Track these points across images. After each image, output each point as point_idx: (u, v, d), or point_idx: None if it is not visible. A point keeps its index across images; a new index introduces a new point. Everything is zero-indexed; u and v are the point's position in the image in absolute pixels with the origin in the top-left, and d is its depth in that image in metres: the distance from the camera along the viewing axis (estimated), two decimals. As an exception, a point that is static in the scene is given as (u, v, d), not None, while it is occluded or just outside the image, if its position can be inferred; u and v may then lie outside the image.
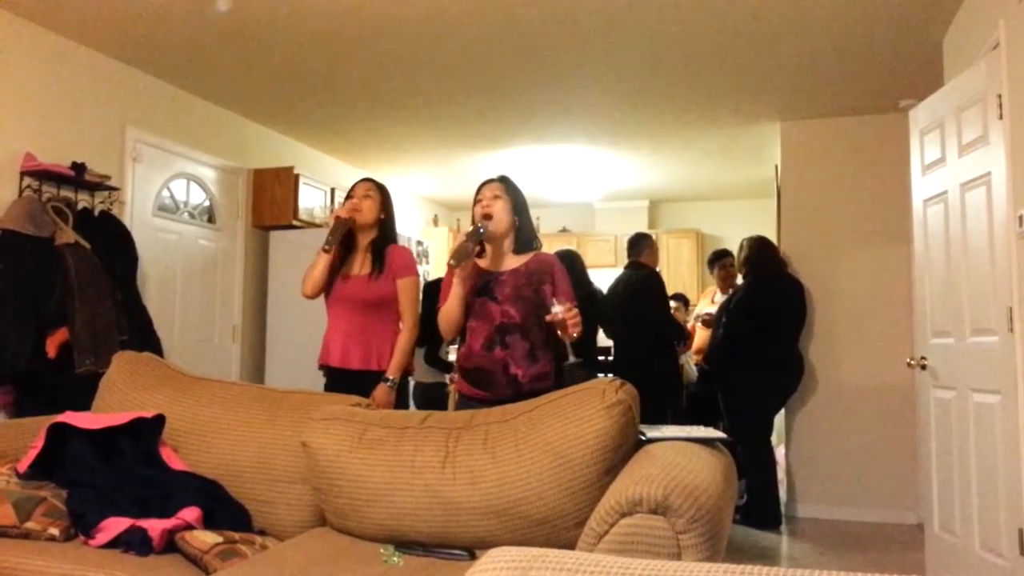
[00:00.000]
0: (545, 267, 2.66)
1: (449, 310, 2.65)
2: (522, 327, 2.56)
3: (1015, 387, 2.70)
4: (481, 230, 2.59)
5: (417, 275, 3.03)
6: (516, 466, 1.89)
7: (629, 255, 5.04)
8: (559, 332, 2.52)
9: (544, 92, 4.63)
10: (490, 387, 2.58)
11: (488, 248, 2.72)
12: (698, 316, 5.51)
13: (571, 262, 4.94)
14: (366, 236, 3.03)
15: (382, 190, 3.09)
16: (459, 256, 2.52)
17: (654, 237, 5.17)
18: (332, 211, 3.01)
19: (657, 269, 5.10)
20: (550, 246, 5.99)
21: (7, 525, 2.01)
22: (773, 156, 5.73)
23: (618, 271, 5.30)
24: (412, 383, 3.16)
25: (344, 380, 2.88)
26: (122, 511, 2.04)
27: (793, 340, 4.79)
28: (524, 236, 2.72)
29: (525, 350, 2.56)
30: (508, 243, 2.70)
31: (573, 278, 4.75)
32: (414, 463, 1.99)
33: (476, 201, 2.72)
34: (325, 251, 2.91)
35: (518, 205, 2.72)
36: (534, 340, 2.58)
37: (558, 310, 2.43)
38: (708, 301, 5.75)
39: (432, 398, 4.60)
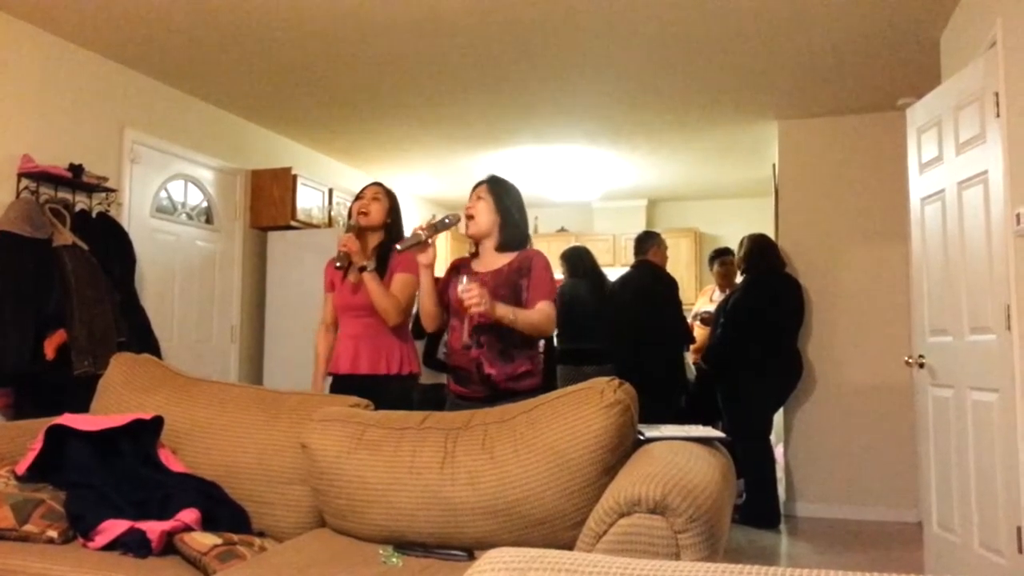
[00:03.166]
0: (525, 263, 2.65)
1: (420, 303, 2.73)
2: (497, 326, 2.54)
3: (1013, 385, 2.70)
4: (447, 221, 2.63)
5: (415, 274, 3.00)
6: (515, 466, 1.89)
7: (636, 253, 4.97)
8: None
9: (543, 91, 4.63)
10: (468, 384, 2.61)
11: (480, 250, 2.75)
12: (696, 315, 5.51)
13: (580, 259, 4.94)
14: (373, 239, 3.05)
15: (390, 195, 3.12)
16: (406, 242, 2.57)
17: (662, 235, 5.11)
18: (341, 236, 3.02)
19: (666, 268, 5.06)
20: (549, 246, 5.99)
21: (5, 527, 2.00)
22: (771, 155, 5.73)
23: (616, 270, 5.29)
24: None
25: (352, 385, 2.87)
26: (121, 513, 2.03)
27: (791, 339, 4.79)
28: (508, 236, 2.70)
29: (499, 349, 2.57)
30: (492, 243, 2.71)
31: (586, 276, 4.77)
32: (413, 464, 1.99)
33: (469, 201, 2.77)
34: (337, 268, 2.95)
35: (503, 205, 2.71)
36: (509, 340, 2.57)
37: (460, 288, 2.41)
38: (706, 300, 5.75)
39: (431, 399, 4.60)
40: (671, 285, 4.87)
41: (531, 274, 2.62)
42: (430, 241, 2.59)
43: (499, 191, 2.73)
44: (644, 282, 4.81)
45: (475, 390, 2.58)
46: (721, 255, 5.56)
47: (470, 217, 2.69)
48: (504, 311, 2.47)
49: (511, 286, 2.61)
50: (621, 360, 4.67)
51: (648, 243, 4.95)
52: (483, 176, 2.87)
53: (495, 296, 2.57)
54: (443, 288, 2.77)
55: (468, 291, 2.40)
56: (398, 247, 2.61)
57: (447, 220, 2.64)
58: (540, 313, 2.56)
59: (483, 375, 2.56)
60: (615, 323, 4.75)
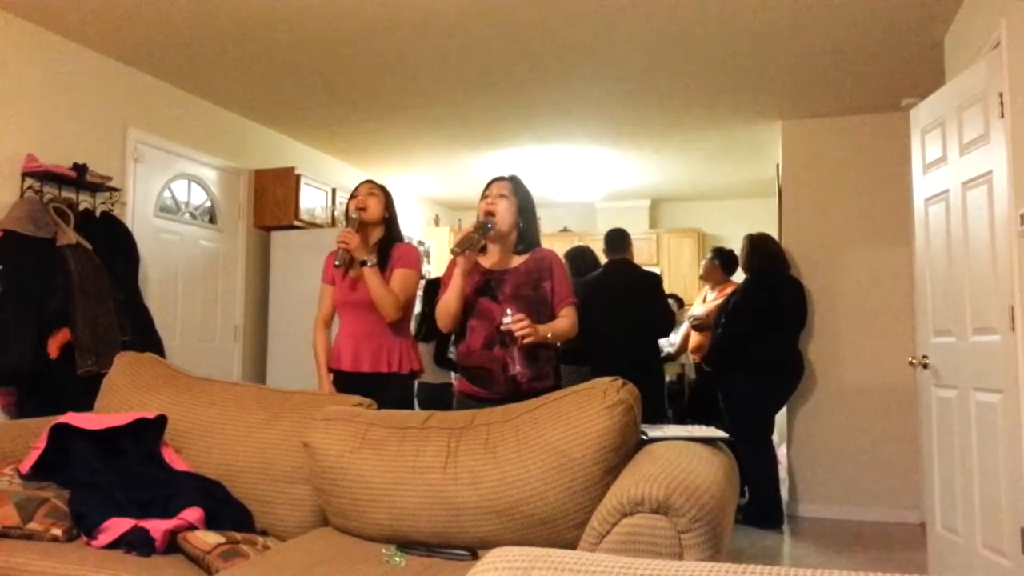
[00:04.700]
0: (544, 264, 2.66)
1: (447, 302, 2.66)
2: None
3: (1016, 386, 2.70)
4: (489, 225, 2.61)
5: (415, 269, 3.01)
6: (517, 466, 1.89)
7: (614, 251, 4.83)
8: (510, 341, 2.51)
9: (545, 92, 4.63)
10: (489, 385, 2.59)
11: (490, 247, 2.73)
12: (690, 318, 5.51)
13: (583, 259, 4.93)
14: (374, 235, 3.04)
15: (384, 191, 3.13)
16: (463, 244, 2.55)
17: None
18: (340, 233, 2.98)
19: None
20: (552, 246, 5.97)
21: (10, 526, 2.01)
22: (774, 155, 5.73)
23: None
24: (415, 384, 3.17)
25: (354, 383, 2.87)
26: (124, 512, 2.04)
27: (792, 340, 4.77)
28: (526, 239, 2.72)
29: (527, 350, 2.55)
30: (510, 243, 2.71)
31: (588, 275, 4.75)
32: (416, 463, 2.00)
33: (483, 197, 2.72)
34: (336, 267, 2.93)
35: (524, 207, 2.71)
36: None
37: (507, 320, 2.45)
38: (700, 300, 5.72)
39: (437, 399, 4.60)
40: (659, 279, 4.82)
41: (553, 277, 2.64)
42: (477, 245, 2.58)
43: (521, 192, 2.72)
44: (637, 280, 4.74)
45: (497, 391, 2.55)
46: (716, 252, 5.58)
47: (490, 214, 2.65)
48: (545, 330, 2.53)
49: (533, 286, 2.62)
50: (613, 359, 4.53)
51: (627, 240, 4.85)
52: (493, 175, 2.85)
53: (519, 295, 2.60)
54: (446, 283, 2.74)
55: (518, 321, 2.43)
56: (455, 250, 2.57)
57: (489, 224, 2.62)
58: (567, 322, 2.63)
59: (507, 376, 2.55)
60: (606, 321, 4.58)
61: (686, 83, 4.47)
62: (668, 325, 4.84)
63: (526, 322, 2.45)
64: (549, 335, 2.54)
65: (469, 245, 2.55)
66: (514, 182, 2.74)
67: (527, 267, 2.65)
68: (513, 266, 2.67)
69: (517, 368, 2.52)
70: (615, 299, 4.59)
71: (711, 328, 5.01)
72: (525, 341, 2.46)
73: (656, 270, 7.71)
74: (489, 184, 2.75)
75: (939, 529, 3.36)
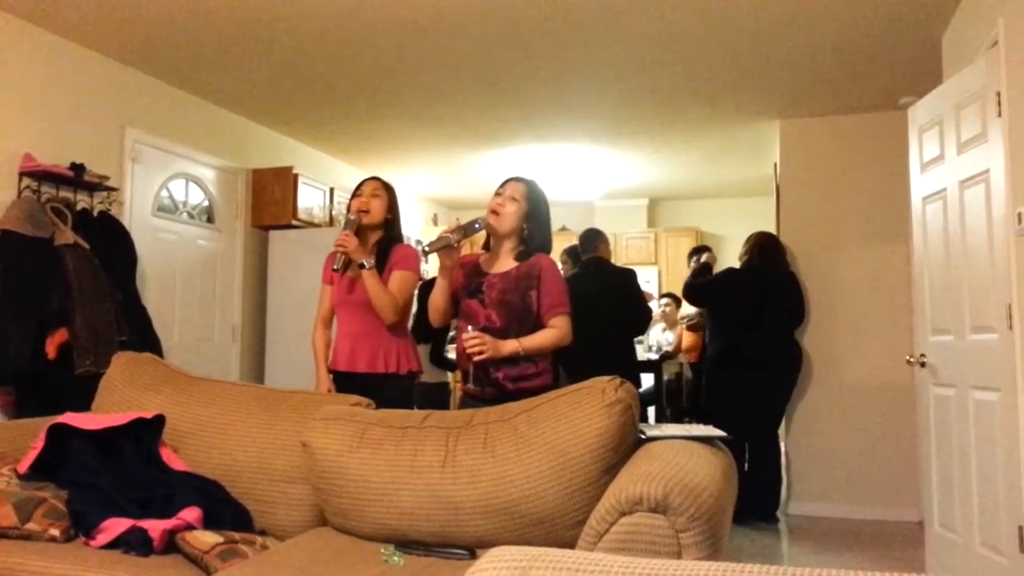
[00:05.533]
0: (534, 271, 2.59)
1: (434, 297, 2.68)
2: (503, 332, 2.52)
3: (1014, 384, 2.70)
4: (476, 225, 2.57)
5: (414, 271, 2.99)
6: (516, 465, 1.89)
7: (587, 250, 4.81)
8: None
9: (544, 91, 4.63)
10: (476, 385, 2.59)
11: (493, 247, 2.71)
12: (682, 318, 5.52)
13: (580, 259, 4.93)
14: (373, 236, 3.02)
15: (389, 189, 3.08)
16: (435, 244, 2.52)
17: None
18: (338, 235, 2.93)
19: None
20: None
21: (7, 526, 2.01)
22: (772, 154, 5.73)
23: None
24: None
25: (351, 383, 2.86)
26: (123, 512, 2.04)
27: (783, 335, 4.75)
28: (531, 245, 2.65)
29: (484, 365, 2.52)
30: (510, 246, 2.66)
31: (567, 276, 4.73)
32: (414, 463, 2.00)
33: (497, 193, 2.69)
34: (335, 271, 2.92)
35: (534, 213, 2.66)
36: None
37: (465, 336, 2.46)
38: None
39: (434, 398, 4.60)
40: (631, 275, 4.80)
41: (541, 285, 2.57)
42: (456, 245, 2.55)
43: (535, 200, 2.67)
44: (616, 280, 4.71)
45: (486, 393, 2.55)
46: (697, 252, 5.59)
47: (495, 213, 2.62)
48: (511, 347, 2.49)
49: (519, 292, 2.57)
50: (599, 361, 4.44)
51: (600, 239, 4.84)
52: (495, 172, 2.81)
53: (504, 301, 2.57)
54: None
55: (472, 339, 2.43)
56: (426, 248, 2.56)
57: (476, 225, 2.57)
58: (551, 333, 2.55)
59: (491, 378, 2.54)
60: (589, 323, 4.47)
61: (684, 82, 4.47)
62: (646, 321, 4.84)
63: (478, 339, 2.43)
64: (520, 351, 2.49)
65: (444, 244, 2.51)
66: (530, 186, 2.69)
67: (518, 272, 2.60)
68: (504, 270, 2.62)
69: (469, 384, 2.51)
70: (594, 299, 4.55)
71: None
72: (476, 359, 2.45)
73: (654, 269, 7.76)
74: (505, 183, 2.70)
75: (937, 528, 3.37)
